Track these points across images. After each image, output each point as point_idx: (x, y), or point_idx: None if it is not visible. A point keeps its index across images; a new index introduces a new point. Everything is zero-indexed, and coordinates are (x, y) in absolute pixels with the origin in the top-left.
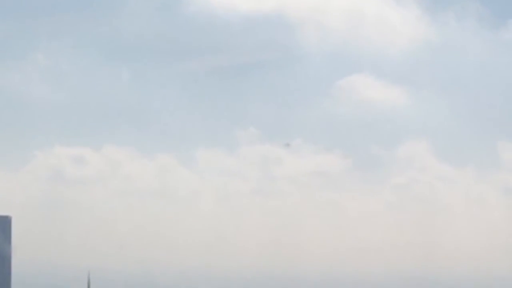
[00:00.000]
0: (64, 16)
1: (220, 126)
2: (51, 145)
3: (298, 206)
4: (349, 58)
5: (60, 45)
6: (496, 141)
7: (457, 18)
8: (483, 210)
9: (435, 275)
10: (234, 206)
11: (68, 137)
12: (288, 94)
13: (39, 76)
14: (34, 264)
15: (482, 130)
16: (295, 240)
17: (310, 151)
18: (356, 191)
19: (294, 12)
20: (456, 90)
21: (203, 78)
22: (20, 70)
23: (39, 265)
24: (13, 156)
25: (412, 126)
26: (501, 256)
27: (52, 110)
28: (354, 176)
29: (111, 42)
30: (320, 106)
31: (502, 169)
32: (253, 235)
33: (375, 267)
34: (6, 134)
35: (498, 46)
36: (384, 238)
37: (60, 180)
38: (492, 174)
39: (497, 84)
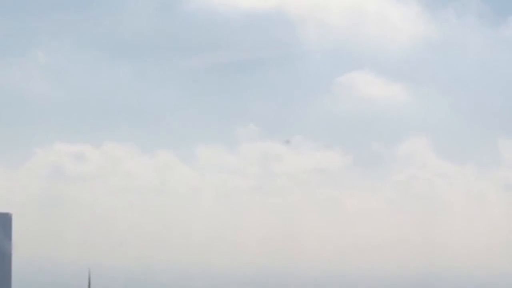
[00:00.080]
0: (64, 14)
1: (220, 123)
2: (51, 142)
3: (298, 203)
4: (349, 55)
5: (60, 42)
6: (496, 138)
7: (457, 15)
8: (483, 207)
9: (435, 271)
10: (234, 203)
11: (68, 134)
12: (288, 91)
13: (39, 74)
14: (35, 261)
15: (482, 127)
16: (295, 237)
17: (310, 148)
18: (356, 188)
19: (294, 9)
20: (456, 87)
21: (203, 75)
22: (20, 68)
23: (40, 262)
24: (13, 153)
25: (412, 123)
26: (501, 252)
27: (52, 107)
28: (354, 173)
29: (112, 40)
30: (320, 103)
31: (502, 166)
32: (253, 232)
33: (375, 264)
34: (6, 131)
35: (498, 43)
36: (384, 234)
37: (60, 177)
38: (492, 171)
39: (497, 81)
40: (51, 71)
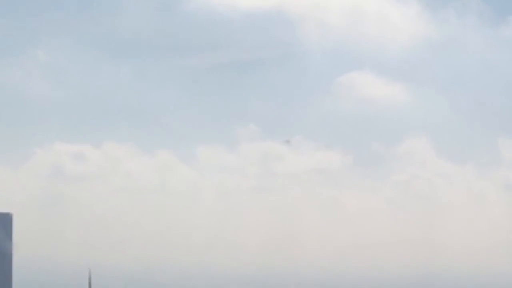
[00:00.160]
0: (64, 13)
1: (220, 123)
2: (51, 142)
3: (299, 203)
4: (349, 55)
5: (60, 42)
6: (496, 138)
7: (457, 15)
8: (484, 207)
9: (435, 271)
10: (234, 203)
11: (68, 134)
12: (288, 91)
13: (39, 73)
14: (35, 261)
15: (483, 127)
16: (295, 237)
17: (311, 148)
18: (356, 188)
19: (295, 9)
20: (456, 87)
21: (203, 75)
22: (20, 67)
23: (40, 262)
24: (13, 153)
25: (412, 123)
26: (501, 252)
27: (52, 107)
28: (354, 173)
29: (112, 39)
30: (321, 103)
31: (502, 166)
32: (253, 231)
33: (375, 264)
34: (7, 131)
35: (498, 43)
36: (384, 234)
37: (61, 177)
38: (493, 171)
39: (498, 80)
40: (51, 71)
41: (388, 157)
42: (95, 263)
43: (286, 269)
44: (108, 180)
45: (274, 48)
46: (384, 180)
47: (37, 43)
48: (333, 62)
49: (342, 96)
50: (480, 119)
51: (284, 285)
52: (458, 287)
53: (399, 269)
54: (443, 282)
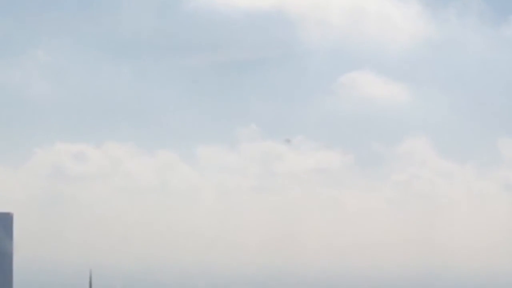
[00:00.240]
0: (64, 13)
1: (221, 122)
2: (52, 142)
3: (299, 203)
4: (349, 55)
5: (60, 42)
6: (496, 138)
7: (458, 15)
8: (484, 206)
9: (435, 271)
10: (234, 203)
11: (69, 134)
12: (289, 90)
13: (39, 73)
14: (36, 261)
15: (483, 126)
16: (296, 236)
17: (311, 148)
18: (357, 187)
19: (295, 9)
20: (457, 86)
21: (204, 75)
22: (20, 67)
23: (41, 262)
24: (14, 153)
25: (413, 122)
26: (502, 251)
27: (53, 106)
28: (355, 172)
29: (112, 39)
30: (321, 102)
31: (502, 165)
32: (254, 231)
33: (375, 263)
34: (7, 131)
35: (499, 43)
36: (384, 234)
37: (61, 176)
38: (493, 171)
39: (498, 80)
40: (51, 71)
41: (389, 157)
42: (95, 263)
43: (287, 269)
44: (109, 180)
45: (274, 48)
46: (385, 180)
47: (37, 43)
48: (334, 62)
49: (343, 96)
50: (480, 119)
51: (285, 285)
52: (458, 286)
53: (400, 269)
54: (443, 282)
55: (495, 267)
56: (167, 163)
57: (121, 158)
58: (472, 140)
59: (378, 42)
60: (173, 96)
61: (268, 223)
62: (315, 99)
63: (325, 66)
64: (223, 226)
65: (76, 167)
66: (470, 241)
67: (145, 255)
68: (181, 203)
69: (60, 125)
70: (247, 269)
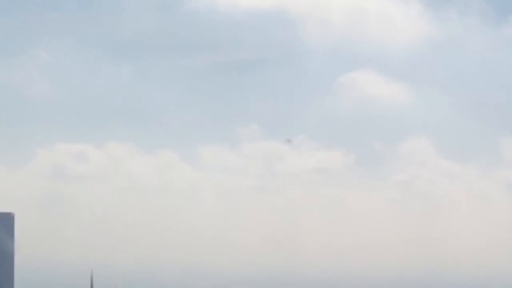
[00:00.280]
0: (66, 13)
1: (222, 122)
2: (53, 142)
3: (300, 203)
4: (350, 55)
5: (61, 42)
6: (498, 138)
7: (459, 15)
8: (486, 206)
9: (436, 270)
10: (235, 203)
11: (70, 134)
12: (290, 90)
13: (40, 73)
14: (37, 261)
15: (484, 126)
16: (297, 236)
17: (312, 148)
18: (358, 187)
19: (296, 9)
20: (458, 86)
21: (205, 75)
22: (22, 67)
23: (42, 262)
24: (15, 153)
25: (414, 122)
26: (503, 251)
27: (54, 107)
28: (356, 172)
29: (113, 39)
30: (322, 102)
31: (504, 165)
32: (255, 231)
33: (377, 263)
34: (8, 131)
35: (500, 43)
36: (386, 234)
37: (62, 176)
38: (494, 170)
39: (499, 80)
40: (52, 71)
41: (390, 156)
42: (96, 263)
43: (287, 269)
44: (110, 180)
45: (275, 48)
46: (386, 179)
47: (38, 43)
48: (334, 61)
49: (343, 95)
50: (481, 119)
51: (285, 285)
52: (459, 286)
53: (400, 269)
54: (444, 281)
55: (496, 267)
56: (168, 163)
57: (122, 158)
58: (473, 140)
59: (379, 42)
60: (174, 96)
61: (268, 223)
62: (316, 99)
63: (326, 66)
64: (223, 226)
65: (77, 167)
66: (471, 241)
67: (145, 255)
68: (182, 203)
69: (61, 125)
70: (247, 269)
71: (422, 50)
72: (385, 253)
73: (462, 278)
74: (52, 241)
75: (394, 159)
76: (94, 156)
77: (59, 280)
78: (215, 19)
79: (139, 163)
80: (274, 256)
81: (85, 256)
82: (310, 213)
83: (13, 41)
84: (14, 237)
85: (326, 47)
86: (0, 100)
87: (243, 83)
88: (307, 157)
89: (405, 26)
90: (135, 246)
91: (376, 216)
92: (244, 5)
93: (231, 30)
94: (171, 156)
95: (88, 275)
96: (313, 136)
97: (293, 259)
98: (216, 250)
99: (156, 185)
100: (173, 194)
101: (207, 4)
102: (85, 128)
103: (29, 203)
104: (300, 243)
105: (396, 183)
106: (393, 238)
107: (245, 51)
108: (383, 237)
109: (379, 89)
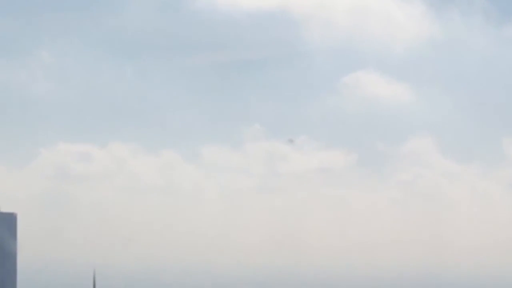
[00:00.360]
0: (68, 13)
1: (224, 122)
2: (56, 142)
3: (303, 203)
4: (353, 55)
5: (65, 42)
6: (500, 137)
7: (462, 15)
8: (488, 206)
9: (439, 270)
10: (238, 203)
11: (73, 134)
12: (292, 90)
13: (43, 73)
14: (40, 261)
15: (487, 126)
16: (300, 236)
17: (315, 148)
18: (361, 187)
19: (299, 9)
20: (460, 86)
21: (208, 75)
22: (24, 68)
23: (45, 262)
24: (18, 153)
25: (417, 122)
26: (506, 251)
27: (57, 107)
28: (358, 172)
29: (116, 39)
30: (325, 102)
31: (506, 165)
32: (258, 231)
33: (380, 263)
34: (12, 131)
35: (503, 43)
36: (389, 234)
37: (65, 177)
38: (497, 170)
39: (502, 80)
40: (55, 71)
41: (393, 156)
42: (99, 263)
43: (289, 268)
44: (113, 180)
45: (278, 48)
46: (389, 179)
47: (41, 43)
48: (337, 61)
49: (346, 95)
50: (484, 119)
51: (288, 285)
52: (462, 286)
53: (403, 269)
54: (447, 281)
55: (499, 266)
56: (171, 163)
57: (125, 158)
58: (476, 140)
59: (382, 42)
60: (176, 96)
61: (271, 223)
62: (318, 98)
63: (329, 65)
64: (226, 226)
65: (80, 167)
66: (474, 241)
67: (148, 255)
68: (184, 203)
69: (64, 125)
70: (249, 269)
71: (425, 50)
72: (388, 253)
73: (464, 277)
74: (54, 241)
75: (397, 159)
76: (96, 156)
77: (61, 280)
78: (218, 19)
79: (141, 163)
80: (276, 256)
81: (87, 256)
82: (312, 213)
83: (16, 41)
84: (17, 237)
85: (329, 47)
86: (4, 100)
87: (246, 83)
88: (310, 157)
89: (408, 26)
90: (138, 246)
91: (379, 216)
92: (247, 5)
93: (234, 30)
94: (173, 156)
95: (90, 275)
96: (315, 136)
97: (295, 259)
98: (218, 250)
99: (158, 185)
100: (175, 194)
101: (210, 4)
102: (88, 128)
103: (32, 203)
104: (302, 243)
105: (398, 183)
106: (395, 238)
107: (248, 51)
108: (385, 237)
109: (382, 89)
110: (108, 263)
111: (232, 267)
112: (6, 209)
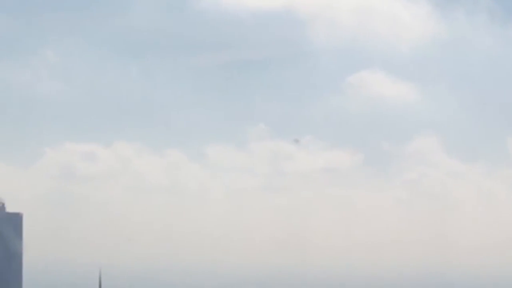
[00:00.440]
0: (74, 13)
1: (229, 122)
2: (61, 142)
3: (308, 202)
4: (359, 54)
5: (70, 42)
6: (506, 137)
7: (467, 14)
8: (494, 205)
9: (445, 270)
10: (243, 202)
11: (78, 134)
12: (297, 90)
13: (49, 73)
14: (45, 261)
15: (492, 125)
16: (305, 236)
17: (320, 147)
18: (366, 187)
19: (304, 8)
20: (465, 85)
21: (213, 74)
22: (29, 67)
23: (50, 262)
24: (23, 153)
25: (422, 122)
26: (511, 250)
27: (62, 106)
28: (364, 172)
29: (121, 39)
30: (330, 102)
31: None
32: (262, 231)
33: (385, 263)
34: (17, 131)
35: (508, 42)
36: (394, 233)
37: (71, 176)
38: (502, 169)
39: (507, 79)
40: (60, 71)
41: (398, 156)
42: (105, 263)
43: (295, 268)
44: (118, 179)
45: (283, 48)
46: (394, 179)
47: (46, 43)
48: (343, 61)
49: (351, 95)
50: (489, 118)
51: (293, 284)
52: (467, 285)
53: (409, 268)
54: (453, 280)
55: (505, 266)
56: (176, 162)
57: (130, 158)
58: (481, 139)
59: (387, 42)
60: (181, 95)
61: (276, 222)
62: (324, 98)
63: (334, 65)
64: (230, 226)
65: (85, 167)
66: (480, 240)
67: (154, 255)
68: (190, 202)
69: (69, 125)
70: (254, 268)
71: (430, 49)
72: (393, 252)
73: (469, 277)
74: (60, 241)
75: (402, 158)
76: (102, 156)
77: (67, 280)
78: (223, 19)
79: (146, 163)
80: (281, 256)
81: (93, 255)
82: (317, 213)
83: (21, 40)
84: (22, 237)
85: (334, 47)
86: (9, 100)
87: (251, 83)
88: (315, 157)
89: (413, 25)
90: (143, 245)
91: (384, 216)
92: (253, 5)
93: (239, 29)
94: (178, 155)
95: (96, 275)
96: (320, 136)
97: (300, 258)
98: (223, 249)
99: (163, 184)
100: (180, 194)
101: (216, 4)
102: (93, 127)
103: (37, 203)
104: (307, 243)
105: (403, 182)
106: (400, 237)
107: (253, 50)
108: (390, 236)
109: (387, 89)
110: (114, 263)
111: (237, 266)
112: (11, 209)
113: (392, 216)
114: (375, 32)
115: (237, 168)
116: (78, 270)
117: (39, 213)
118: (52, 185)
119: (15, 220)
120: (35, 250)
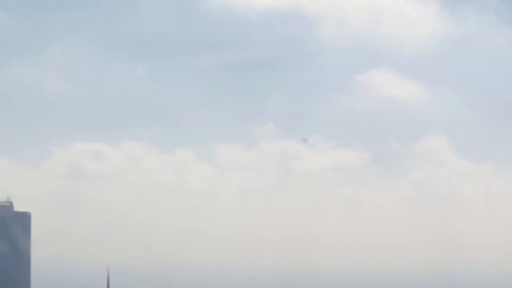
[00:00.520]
0: (82, 13)
1: (238, 121)
2: (70, 141)
3: (317, 201)
4: (367, 54)
5: (78, 42)
6: None
7: (475, 13)
8: (501, 205)
9: (453, 269)
10: (252, 201)
11: (87, 133)
12: (306, 89)
13: (57, 73)
14: (53, 260)
15: (500, 125)
16: (313, 235)
17: (329, 147)
18: (374, 186)
19: (312, 8)
20: (474, 85)
21: (221, 74)
22: (37, 67)
23: (58, 261)
24: (32, 152)
25: (430, 121)
26: None
27: (71, 106)
28: (372, 171)
29: (129, 38)
30: (338, 101)
31: None
32: (271, 230)
33: (394, 262)
34: (26, 131)
35: None
36: (402, 232)
37: (79, 176)
38: (510, 169)
39: None
40: (68, 71)
41: (406, 155)
42: (113, 262)
43: (304, 267)
44: (126, 179)
45: (291, 47)
46: (402, 178)
47: (55, 43)
48: (351, 60)
49: (360, 94)
50: (498, 117)
51: (302, 283)
52: (475, 284)
53: (417, 267)
54: (461, 279)
55: None
56: (184, 162)
57: (139, 157)
58: (490, 138)
59: (396, 41)
60: (189, 95)
61: (284, 221)
62: (332, 98)
63: (342, 65)
64: (240, 225)
65: (93, 166)
66: (488, 239)
67: (162, 254)
68: (198, 202)
69: (78, 125)
70: (263, 267)
71: (438, 49)
72: (401, 251)
73: (478, 276)
74: (68, 240)
75: (410, 158)
76: (110, 155)
77: (75, 279)
78: (231, 18)
79: (155, 162)
80: (290, 255)
81: (101, 254)
82: (326, 212)
83: (30, 40)
84: (31, 236)
85: (342, 46)
86: (18, 100)
87: (259, 82)
88: (323, 156)
89: (421, 25)
90: (151, 244)
91: (392, 215)
92: (261, 4)
93: (247, 29)
94: (187, 155)
95: (104, 274)
96: (329, 135)
97: (310, 257)
98: (232, 248)
99: (172, 184)
100: (189, 193)
101: (224, 4)
102: (101, 127)
103: (45, 202)
104: (316, 242)
105: (412, 181)
106: (409, 236)
107: (262, 50)
108: (399, 235)
109: (395, 88)
110: (122, 262)
111: (245, 265)
112: (20, 208)
113: (400, 215)
114: (383, 32)
115: (245, 167)
116: (86, 269)
117: (47, 212)
118: (60, 184)
119: (23, 219)
120: (43, 249)
